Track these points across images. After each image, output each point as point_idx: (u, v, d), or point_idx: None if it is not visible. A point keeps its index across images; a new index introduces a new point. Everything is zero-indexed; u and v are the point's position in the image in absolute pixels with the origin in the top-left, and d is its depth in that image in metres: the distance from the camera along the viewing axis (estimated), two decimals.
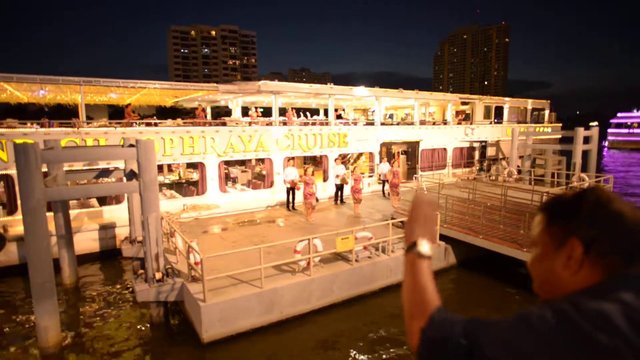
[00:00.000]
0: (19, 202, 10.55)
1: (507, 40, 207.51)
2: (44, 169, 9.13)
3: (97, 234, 12.42)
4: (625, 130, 62.42)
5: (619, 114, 64.54)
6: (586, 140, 20.91)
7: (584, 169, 20.79)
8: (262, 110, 22.32)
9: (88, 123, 13.90)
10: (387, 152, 20.54)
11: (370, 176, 18.82)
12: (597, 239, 0.87)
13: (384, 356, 7.56)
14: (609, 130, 64.61)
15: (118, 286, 10.77)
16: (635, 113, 62.98)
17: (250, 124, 17.31)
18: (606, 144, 63.50)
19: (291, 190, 14.91)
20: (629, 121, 62.69)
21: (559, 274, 0.91)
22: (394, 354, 7.62)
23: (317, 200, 13.95)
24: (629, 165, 42.11)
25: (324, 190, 16.99)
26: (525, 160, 22.43)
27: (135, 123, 14.63)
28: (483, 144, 24.67)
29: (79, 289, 10.58)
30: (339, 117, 21.53)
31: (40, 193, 7.25)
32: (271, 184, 16.19)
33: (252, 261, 8.65)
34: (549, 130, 28.00)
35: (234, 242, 11.18)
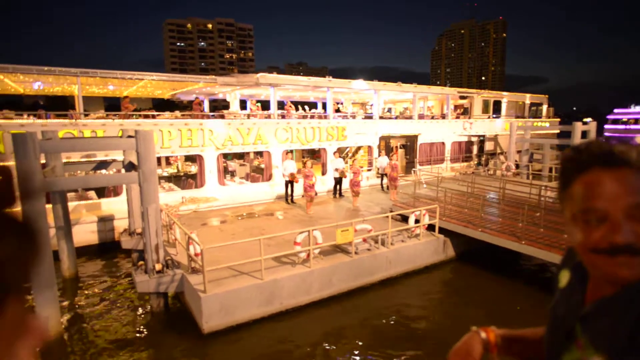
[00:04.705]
0: (17, 193, 10.47)
1: (504, 35, 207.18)
2: (42, 161, 9.09)
3: (95, 226, 12.38)
4: (622, 127, 62.74)
5: (615, 110, 64.89)
6: (584, 135, 20.97)
7: None
8: (259, 104, 22.24)
9: (85, 115, 13.79)
10: (386, 145, 20.56)
11: (369, 170, 18.83)
12: None
13: (383, 349, 7.60)
14: (606, 127, 64.88)
15: (117, 278, 10.75)
16: (631, 109, 63.32)
17: (248, 116, 17.24)
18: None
19: (290, 183, 14.90)
20: (624, 117, 63.03)
21: None
22: (393, 347, 7.66)
23: (316, 193, 13.95)
24: None
25: (323, 183, 16.99)
26: (523, 154, 22.49)
27: (133, 115, 14.53)
28: (481, 138, 24.71)
29: (78, 280, 10.55)
30: (337, 110, 21.49)
31: (39, 183, 7.21)
32: (270, 177, 16.17)
33: (252, 253, 8.65)
34: (547, 125, 28.06)
35: (233, 235, 11.17)
